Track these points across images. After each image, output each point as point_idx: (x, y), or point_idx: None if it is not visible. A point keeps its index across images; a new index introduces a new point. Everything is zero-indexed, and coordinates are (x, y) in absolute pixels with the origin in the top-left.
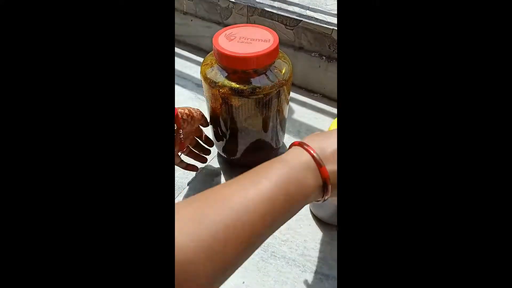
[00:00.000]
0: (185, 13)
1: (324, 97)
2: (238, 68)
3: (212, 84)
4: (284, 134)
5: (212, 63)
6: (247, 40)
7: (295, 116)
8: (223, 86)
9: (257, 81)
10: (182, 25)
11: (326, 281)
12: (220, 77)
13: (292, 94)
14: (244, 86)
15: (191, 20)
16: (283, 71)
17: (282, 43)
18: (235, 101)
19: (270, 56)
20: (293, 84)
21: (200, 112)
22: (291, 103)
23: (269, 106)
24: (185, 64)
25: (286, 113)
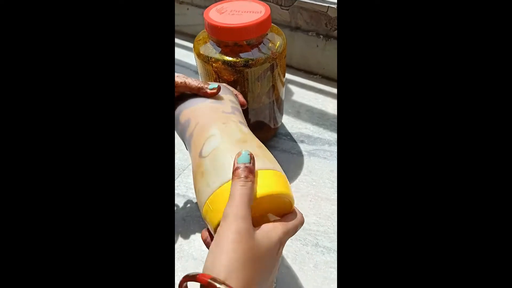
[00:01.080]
0: (181, 2)
1: (323, 78)
2: (230, 40)
3: (205, 59)
4: (282, 115)
5: (205, 39)
6: (238, 12)
7: (294, 97)
8: (216, 60)
9: (250, 54)
10: (179, 15)
11: (328, 254)
12: (213, 52)
13: (291, 76)
14: (237, 59)
15: (187, 9)
16: (277, 44)
17: (278, 24)
18: (229, 75)
19: (262, 27)
20: (291, 66)
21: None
22: (290, 85)
23: (263, 80)
24: (183, 53)
25: (282, 92)
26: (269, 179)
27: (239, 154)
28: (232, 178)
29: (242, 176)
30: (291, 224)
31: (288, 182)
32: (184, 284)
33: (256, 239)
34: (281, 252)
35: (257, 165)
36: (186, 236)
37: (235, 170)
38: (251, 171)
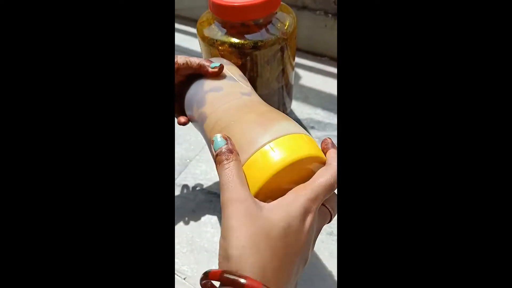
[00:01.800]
0: None
1: (331, 59)
2: (237, 20)
3: (210, 42)
4: (291, 100)
5: (209, 21)
6: None
7: (302, 81)
8: (223, 43)
9: (258, 35)
10: None
11: None
12: (218, 35)
13: (298, 60)
14: (245, 41)
15: None
16: (287, 24)
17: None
18: (236, 59)
19: (271, 4)
20: (298, 49)
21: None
22: (297, 69)
23: (273, 63)
24: (183, 38)
25: (291, 77)
26: (293, 145)
27: (212, 142)
28: (216, 167)
29: (224, 159)
30: (317, 185)
31: (314, 142)
32: (209, 283)
33: (267, 215)
34: (313, 224)
35: (279, 132)
36: (197, 228)
37: (216, 157)
38: (230, 151)
